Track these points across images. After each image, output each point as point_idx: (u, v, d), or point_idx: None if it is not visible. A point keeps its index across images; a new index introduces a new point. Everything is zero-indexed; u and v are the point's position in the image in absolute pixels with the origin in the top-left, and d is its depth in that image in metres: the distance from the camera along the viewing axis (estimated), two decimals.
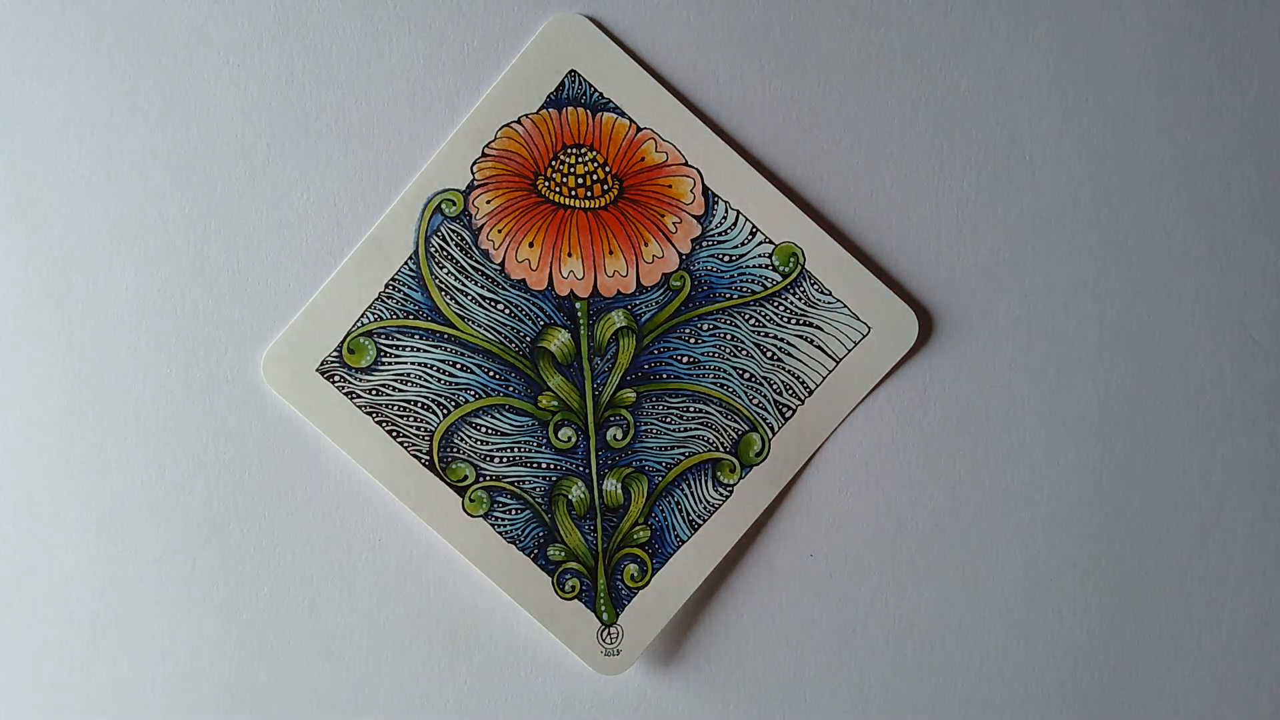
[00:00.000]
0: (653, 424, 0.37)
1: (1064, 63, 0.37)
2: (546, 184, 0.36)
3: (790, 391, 0.37)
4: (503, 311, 0.36)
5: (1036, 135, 0.37)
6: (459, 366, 0.36)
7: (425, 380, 0.36)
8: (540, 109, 0.36)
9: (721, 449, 0.37)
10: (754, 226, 0.36)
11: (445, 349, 0.36)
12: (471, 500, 0.37)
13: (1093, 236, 0.37)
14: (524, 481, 0.37)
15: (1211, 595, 0.38)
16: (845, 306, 0.37)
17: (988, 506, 0.38)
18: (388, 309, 0.36)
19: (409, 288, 0.36)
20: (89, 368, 0.36)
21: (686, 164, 0.36)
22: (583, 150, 0.36)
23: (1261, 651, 0.39)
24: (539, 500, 0.37)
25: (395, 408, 0.36)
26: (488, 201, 0.36)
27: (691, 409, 0.37)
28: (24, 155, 0.36)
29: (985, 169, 0.37)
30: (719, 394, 0.37)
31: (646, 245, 0.36)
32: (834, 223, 0.37)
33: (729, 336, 0.37)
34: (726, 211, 0.36)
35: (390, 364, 0.36)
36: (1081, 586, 0.38)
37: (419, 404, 0.36)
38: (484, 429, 0.37)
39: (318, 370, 0.36)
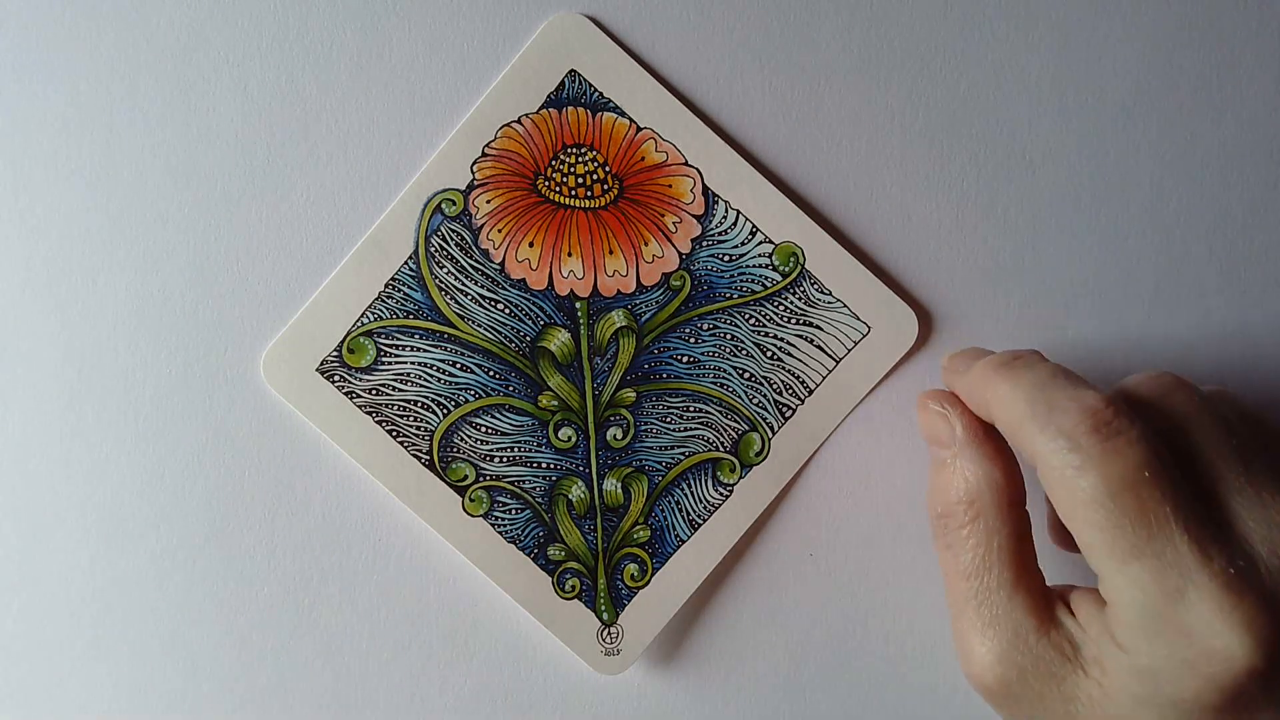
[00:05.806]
0: (653, 424, 0.37)
1: (1064, 63, 0.37)
2: (546, 184, 0.36)
3: (790, 391, 0.37)
4: (503, 311, 0.36)
5: (1036, 135, 0.37)
6: (459, 366, 0.36)
7: (425, 380, 0.36)
8: (540, 109, 0.36)
9: (721, 449, 0.37)
10: (754, 226, 0.36)
11: (445, 349, 0.36)
12: (471, 500, 0.37)
13: (1093, 236, 0.37)
14: (524, 481, 0.37)
15: None
16: (845, 306, 0.37)
17: None
18: (388, 309, 0.36)
19: (409, 287, 0.36)
20: (89, 367, 0.36)
21: (686, 164, 0.36)
22: (583, 150, 0.36)
23: None
24: (539, 500, 0.37)
25: (395, 408, 0.36)
26: (488, 201, 0.36)
27: (691, 409, 0.37)
28: (24, 155, 0.36)
29: (985, 169, 0.37)
30: (719, 394, 0.37)
31: (646, 245, 0.36)
32: (834, 223, 0.37)
33: (729, 336, 0.37)
34: (726, 211, 0.36)
35: (390, 364, 0.36)
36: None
37: (419, 404, 0.36)
38: (484, 429, 0.36)
39: (318, 370, 0.36)
